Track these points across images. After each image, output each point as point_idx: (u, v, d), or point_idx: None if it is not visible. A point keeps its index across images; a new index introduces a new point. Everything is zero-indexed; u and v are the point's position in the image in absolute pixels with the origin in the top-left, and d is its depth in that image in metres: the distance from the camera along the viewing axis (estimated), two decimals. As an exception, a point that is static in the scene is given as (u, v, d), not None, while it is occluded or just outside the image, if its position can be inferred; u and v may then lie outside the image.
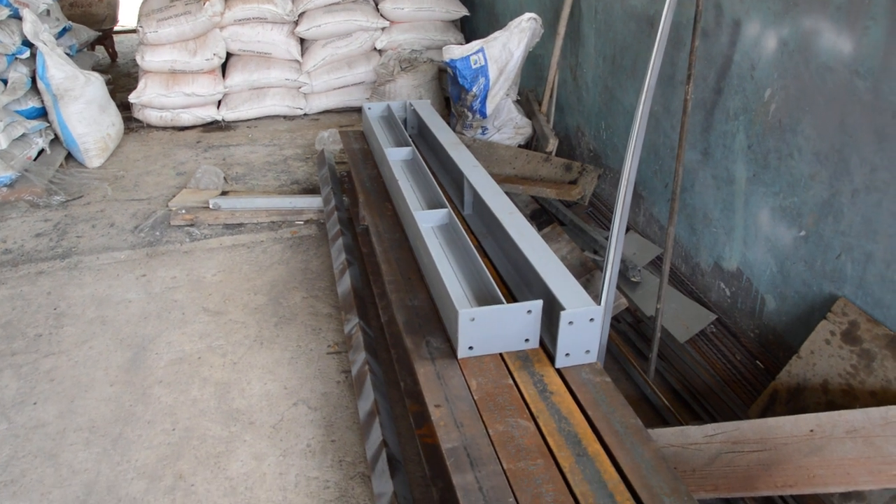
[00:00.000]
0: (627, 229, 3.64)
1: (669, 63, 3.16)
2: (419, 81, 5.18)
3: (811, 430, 2.03)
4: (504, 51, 3.95)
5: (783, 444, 2.05)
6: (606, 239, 3.62)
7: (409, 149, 3.42)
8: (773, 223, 2.62)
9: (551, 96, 4.22)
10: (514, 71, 4.01)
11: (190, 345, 2.84)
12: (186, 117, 5.08)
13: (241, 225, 3.77)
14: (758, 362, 2.68)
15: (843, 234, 2.31)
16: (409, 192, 2.94)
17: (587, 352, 2.18)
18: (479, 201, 2.92)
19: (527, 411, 1.99)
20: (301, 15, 5.10)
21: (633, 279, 3.22)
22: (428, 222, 2.75)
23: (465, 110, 4.10)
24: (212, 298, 3.14)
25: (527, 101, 4.40)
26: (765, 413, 2.39)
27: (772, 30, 2.51)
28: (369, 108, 3.93)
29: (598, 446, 1.87)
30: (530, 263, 2.34)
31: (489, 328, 2.17)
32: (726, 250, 2.92)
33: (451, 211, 2.82)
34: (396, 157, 3.36)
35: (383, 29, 5.31)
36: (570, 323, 2.10)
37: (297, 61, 5.21)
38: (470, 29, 5.68)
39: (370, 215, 3.08)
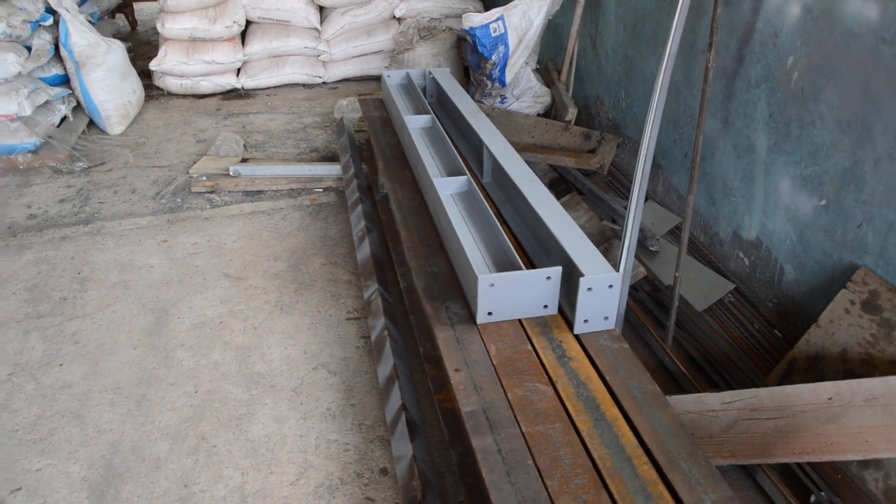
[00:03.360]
0: (646, 198, 3.63)
1: (690, 31, 3.11)
2: (438, 50, 5.15)
3: (830, 398, 2.04)
4: (524, 19, 3.91)
5: (801, 412, 2.06)
6: (625, 208, 3.60)
7: (428, 116, 3.41)
8: (794, 192, 2.60)
9: (571, 65, 4.18)
10: (533, 39, 3.97)
11: (211, 309, 2.88)
12: (206, 85, 5.09)
13: (260, 192, 3.79)
14: (776, 331, 2.68)
15: (865, 203, 2.29)
16: (428, 159, 2.94)
17: (605, 318, 2.19)
18: (498, 169, 2.92)
19: (545, 376, 2.01)
20: (320, -18, 5.08)
21: (651, 248, 3.22)
22: (447, 189, 2.76)
23: (485, 78, 4.08)
24: (232, 264, 3.18)
25: (546, 70, 4.37)
26: (783, 381, 2.39)
27: (797, -5, 2.47)
28: (388, 76, 3.92)
29: (616, 411, 1.89)
30: (549, 230, 2.34)
31: (508, 294, 2.18)
32: (745, 220, 2.91)
33: (471, 178, 2.83)
34: (416, 124, 3.35)
35: (403, -4, 5.27)
36: (589, 289, 2.11)
37: (317, 29, 5.19)
38: (489, -3, 5.63)
39: (390, 182, 3.09)
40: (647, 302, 3.01)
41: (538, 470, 1.71)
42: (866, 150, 2.25)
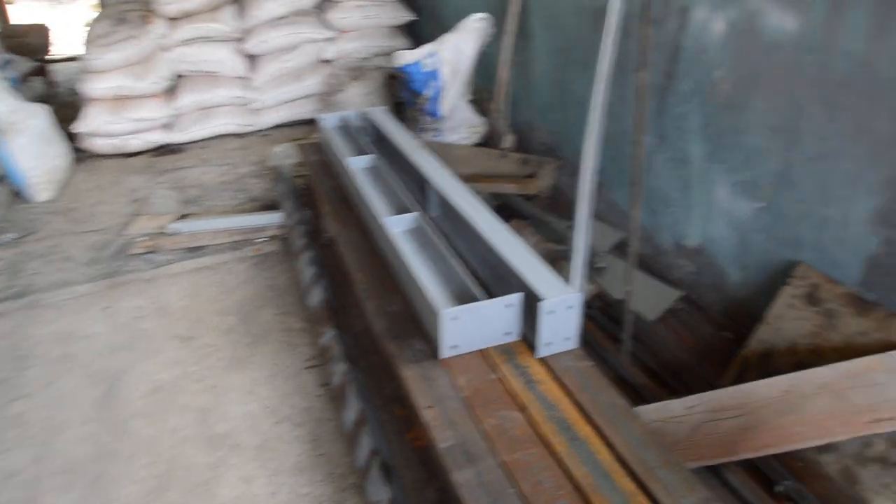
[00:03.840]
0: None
1: (620, 52, 3.21)
2: (369, 89, 5.19)
3: (785, 391, 2.11)
4: (456, 52, 3.98)
5: (760, 407, 2.12)
6: (569, 228, 3.68)
7: (369, 157, 3.43)
8: (732, 198, 2.70)
9: (504, 93, 4.27)
10: (467, 72, 4.05)
11: (164, 373, 2.80)
12: (135, 143, 4.99)
13: (202, 247, 3.72)
14: (726, 333, 2.76)
15: (799, 201, 2.39)
16: (374, 199, 2.94)
17: (567, 339, 2.22)
18: (444, 202, 2.94)
19: (515, 403, 2.02)
20: (248, 31, 5.06)
21: (598, 265, 3.28)
22: (397, 227, 2.77)
23: (419, 114, 4.12)
24: (181, 324, 3.10)
25: (479, 100, 4.44)
26: (737, 380, 2.45)
27: (719, 13, 2.58)
28: (324, 119, 3.92)
29: (588, 429, 1.91)
30: (503, 258, 2.37)
31: (471, 325, 2.19)
32: (687, 228, 3.00)
33: (420, 214, 2.84)
34: (358, 165, 3.36)
35: (330, 39, 5.30)
36: (551, 312, 2.14)
37: (246, 78, 5.16)
38: (416, 33, 5.70)
39: (337, 226, 3.08)
40: (598, 318, 3.06)
41: (523, 497, 1.71)
42: (796, 152, 2.36)
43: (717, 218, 2.80)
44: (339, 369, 2.57)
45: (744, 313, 2.74)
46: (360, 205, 3.10)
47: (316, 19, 5.28)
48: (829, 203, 2.27)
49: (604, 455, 1.82)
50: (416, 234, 2.80)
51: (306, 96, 5.42)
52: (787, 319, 2.37)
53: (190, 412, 2.58)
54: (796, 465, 2.12)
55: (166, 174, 4.71)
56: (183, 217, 3.91)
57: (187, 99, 5.05)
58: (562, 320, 2.18)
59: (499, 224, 2.60)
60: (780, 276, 2.52)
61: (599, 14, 3.35)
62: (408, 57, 3.97)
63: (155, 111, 4.92)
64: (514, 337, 2.28)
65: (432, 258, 2.60)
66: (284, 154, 4.76)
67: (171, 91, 5.08)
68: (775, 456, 2.14)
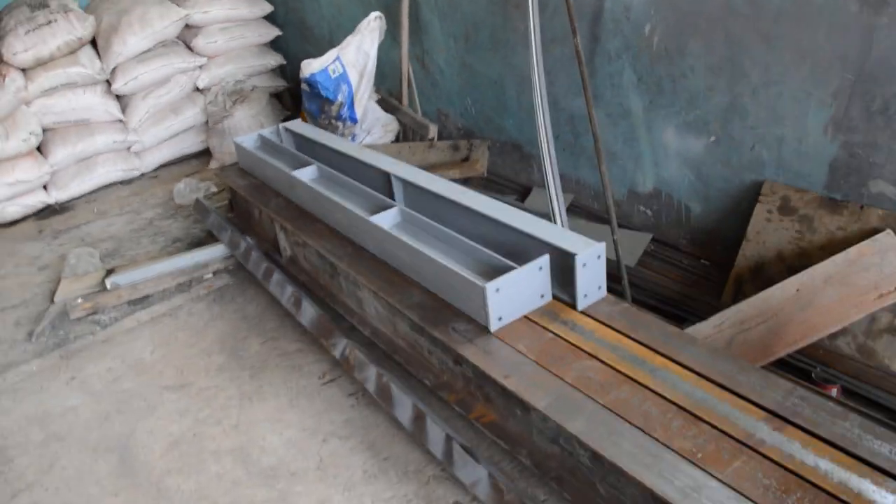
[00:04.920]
0: (530, 188, 3.88)
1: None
2: (255, 110, 5.06)
3: (797, 290, 2.37)
4: (360, 53, 3.99)
5: (780, 310, 2.37)
6: (517, 200, 3.83)
7: (313, 166, 3.38)
8: (681, 138, 2.96)
9: (410, 87, 4.33)
10: (372, 71, 4.07)
11: (175, 426, 2.62)
12: (14, 210, 4.53)
13: (147, 297, 3.49)
14: (703, 261, 3.02)
15: (753, 127, 2.68)
16: (347, 203, 2.92)
17: (599, 288, 2.36)
18: (414, 192, 2.98)
19: (584, 353, 2.12)
20: (114, 71, 4.74)
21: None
22: (385, 223, 2.77)
23: (333, 121, 4.09)
24: (166, 375, 2.91)
25: (384, 98, 4.47)
26: (736, 296, 2.72)
27: (639, -28, 2.82)
28: (242, 143, 3.80)
29: (660, 359, 2.05)
30: (515, 226, 2.46)
31: (511, 295, 2.27)
32: (638, 176, 3.24)
33: (400, 208, 2.86)
34: (307, 176, 3.30)
35: (201, 67, 5.09)
36: (584, 265, 2.26)
37: (121, 120, 4.84)
38: (282, 47, 5.61)
39: (310, 239, 3.02)
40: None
41: (639, 428, 1.82)
42: (742, 85, 2.64)
43: (668, 160, 3.05)
44: (371, 373, 2.54)
45: (713, 240, 3.02)
46: (328, 213, 3.06)
47: (183, 48, 5.06)
48: (783, 123, 2.56)
49: (687, 376, 1.97)
50: (405, 226, 2.82)
51: (187, 129, 5.18)
52: (767, 232, 2.65)
53: (225, 455, 2.45)
54: (819, 353, 2.39)
55: (63, 234, 4.34)
56: (111, 271, 3.63)
57: (62, 153, 4.65)
58: (593, 271, 2.31)
59: (488, 199, 2.68)
60: (746, 197, 2.80)
61: (501, -5, 3.51)
62: (314, 66, 3.92)
63: (30, 172, 4.50)
64: (548, 298, 2.38)
65: (435, 244, 2.63)
66: (190, 189, 4.54)
67: (43, 147, 4.66)
68: (800, 351, 2.39)
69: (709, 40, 2.68)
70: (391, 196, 3.08)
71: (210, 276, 3.61)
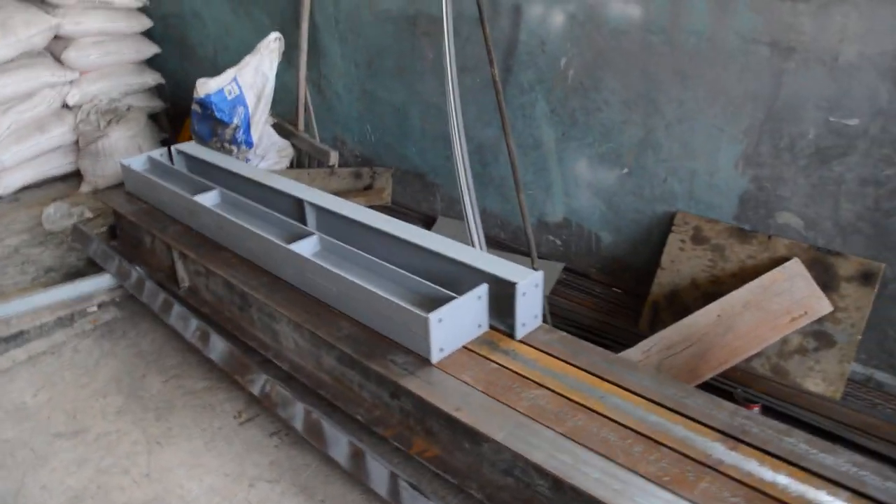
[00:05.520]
0: (435, 218, 3.86)
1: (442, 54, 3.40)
2: (134, 131, 4.71)
3: (718, 315, 2.49)
4: (258, 75, 3.82)
5: (704, 335, 2.47)
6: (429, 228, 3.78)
7: (215, 191, 3.18)
8: (593, 170, 3.05)
9: (307, 112, 4.20)
10: (270, 94, 3.91)
11: (73, 478, 2.33)
12: None
13: (22, 333, 3.10)
14: (615, 289, 3.11)
15: (665, 161, 2.81)
16: (261, 230, 2.75)
17: (535, 316, 2.36)
18: (331, 219, 2.87)
19: (532, 382, 2.10)
20: (-32, 83, 4.25)
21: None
22: (306, 252, 2.64)
23: (227, 144, 3.88)
24: (55, 420, 2.59)
25: (278, 122, 4.31)
26: (654, 322, 2.82)
27: (557, 8, 2.90)
28: (129, 164, 3.52)
29: (608, 385, 2.08)
30: (448, 255, 2.42)
31: (452, 325, 2.22)
32: (548, 206, 3.30)
33: (320, 236, 2.74)
34: (210, 202, 3.09)
35: (72, 82, 4.68)
36: (524, 294, 2.26)
37: (-25, 137, 4.34)
38: (159, 66, 5.28)
39: (217, 268, 2.81)
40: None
41: (602, 455, 1.82)
42: (656, 119, 2.77)
43: (579, 191, 3.14)
44: (299, 410, 2.39)
45: (622, 269, 3.12)
46: (237, 241, 2.87)
47: (52, 60, 4.63)
48: (695, 157, 2.71)
49: (637, 401, 2.00)
50: (324, 255, 2.70)
51: (54, 149, 4.72)
52: (681, 261, 2.77)
53: (138, 509, 2.20)
54: (737, 374, 2.52)
55: None
56: (-27, 306, 3.21)
57: None
58: (531, 300, 2.31)
59: (416, 228, 2.63)
60: (657, 227, 2.93)
61: (412, 21, 3.51)
62: (210, 86, 3.71)
63: None
64: (485, 328, 2.35)
65: (360, 273, 2.53)
66: (61, 215, 4.14)
67: None
68: (720, 374, 2.50)
69: (625, 76, 2.79)
70: (303, 223, 2.95)
71: (95, 308, 3.28)
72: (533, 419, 1.95)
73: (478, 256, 2.41)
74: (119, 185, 4.56)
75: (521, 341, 2.30)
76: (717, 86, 2.56)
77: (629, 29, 2.71)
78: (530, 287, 2.28)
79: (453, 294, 2.26)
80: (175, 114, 5.54)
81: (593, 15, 2.80)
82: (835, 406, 2.41)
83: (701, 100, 2.62)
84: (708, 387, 2.49)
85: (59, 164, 4.78)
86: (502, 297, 2.31)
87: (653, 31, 2.65)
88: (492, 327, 2.37)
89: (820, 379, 2.44)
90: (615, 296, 3.09)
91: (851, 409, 2.40)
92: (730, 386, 2.49)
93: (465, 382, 2.11)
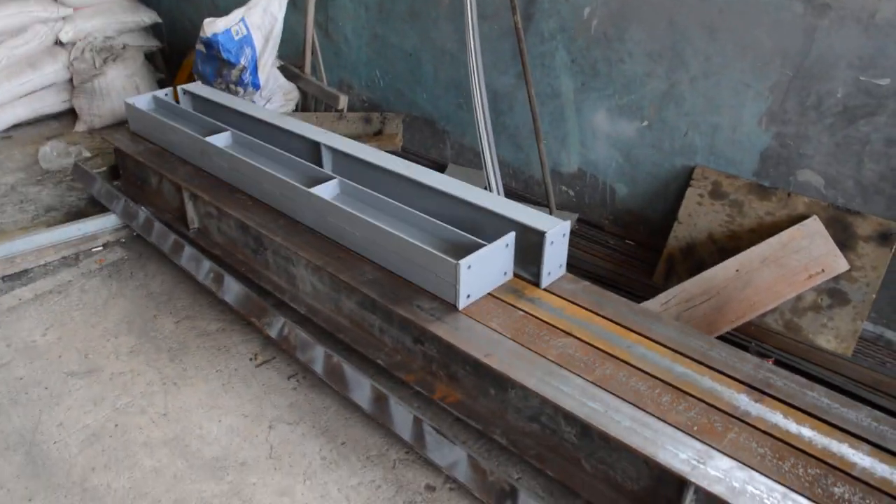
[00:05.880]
0: (445, 164, 3.83)
1: (461, 1, 3.33)
2: (131, 70, 4.60)
3: (737, 270, 2.51)
4: (266, 15, 3.73)
5: (722, 288, 2.50)
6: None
7: (227, 133, 3.12)
8: (612, 122, 3.03)
9: (314, 55, 4.11)
10: (278, 36, 3.81)
11: (91, 417, 2.32)
12: None
13: (26, 272, 3.07)
14: (628, 241, 3.13)
15: (688, 114, 2.79)
16: (278, 173, 2.71)
17: (560, 265, 2.36)
18: (350, 163, 2.83)
19: (559, 330, 2.12)
20: (-40, 12, 4.10)
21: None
22: (327, 195, 2.61)
23: (232, 85, 3.80)
24: (68, 359, 2.57)
25: (284, 65, 4.21)
26: (668, 275, 2.84)
27: (584, -46, 2.84)
28: (135, 103, 3.43)
29: (634, 335, 2.10)
30: (477, 203, 2.40)
31: (480, 272, 2.22)
32: (563, 157, 3.29)
33: (340, 180, 2.71)
34: (222, 143, 3.04)
35: (65, 18, 4.52)
36: (552, 243, 2.26)
37: (-33, 70, 4.20)
38: (155, 4, 5.12)
39: (233, 210, 2.77)
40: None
41: (632, 404, 1.84)
42: (680, 73, 2.74)
43: (596, 143, 3.12)
44: (319, 353, 2.39)
45: (637, 221, 3.13)
46: (252, 184, 2.83)
47: (44, -7, 4.47)
48: (719, 112, 2.70)
49: (663, 352, 2.03)
50: (344, 199, 2.67)
51: (47, 87, 4.60)
52: (699, 215, 2.78)
53: (160, 447, 2.20)
54: (751, 329, 2.55)
55: None
56: (-24, 242, 3.15)
57: None
58: (558, 249, 2.31)
59: (441, 175, 2.60)
60: (674, 181, 2.93)
61: (433, -36, 3.42)
62: (218, 25, 3.61)
63: None
64: (509, 276, 2.35)
65: (381, 219, 2.51)
66: (58, 153, 4.05)
67: None
68: (736, 328, 2.54)
69: (651, 27, 2.76)
70: (319, 166, 2.90)
71: (100, 248, 3.24)
72: (562, 366, 1.97)
73: (503, 204, 2.40)
74: (116, 125, 4.50)
75: (546, 290, 2.31)
76: (746, 41, 2.54)
77: (658, -22, 2.67)
78: (558, 236, 2.28)
79: (480, 241, 2.26)
80: (171, 53, 5.40)
81: (622, -37, 2.74)
82: (846, 363, 2.46)
83: (729, 54, 2.60)
84: (723, 340, 2.53)
85: (52, 102, 4.66)
86: (528, 245, 2.31)
87: (683, -19, 2.61)
88: (516, 275, 2.37)
89: (832, 336, 2.49)
90: (628, 247, 3.10)
91: (862, 365, 2.45)
92: (744, 340, 2.52)
93: (493, 329, 2.12)
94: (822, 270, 2.44)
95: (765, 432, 1.76)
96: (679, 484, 1.71)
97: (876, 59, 2.27)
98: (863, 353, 2.55)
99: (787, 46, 2.44)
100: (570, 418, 1.89)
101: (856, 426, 1.79)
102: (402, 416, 2.16)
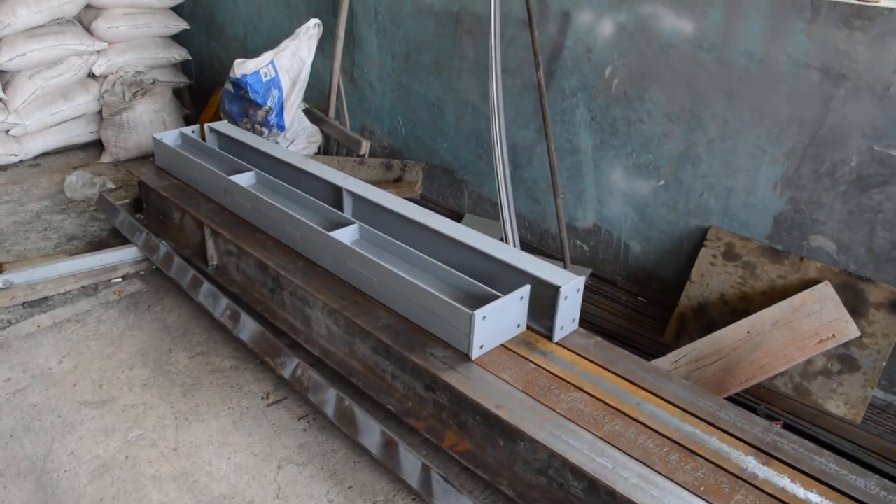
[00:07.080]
0: (462, 214, 3.89)
1: (485, 55, 3.43)
2: (159, 105, 4.72)
3: (748, 332, 2.53)
4: (295, 59, 3.84)
5: (733, 349, 2.51)
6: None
7: (251, 172, 3.20)
8: (629, 179, 3.09)
9: (339, 100, 4.22)
10: (306, 80, 3.92)
11: (101, 448, 2.34)
12: None
13: (46, 299, 3.12)
14: (640, 298, 3.15)
15: (704, 176, 2.85)
16: (301, 215, 2.77)
17: (573, 320, 2.39)
18: (369, 209, 2.89)
19: (570, 385, 2.14)
20: (-1, 44, 4.25)
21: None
22: (346, 239, 2.66)
23: (257, 126, 3.90)
24: (82, 388, 2.61)
25: (309, 108, 4.32)
26: (679, 334, 2.86)
27: (607, 17, 2.92)
28: (162, 139, 3.53)
29: (644, 393, 2.12)
30: (492, 255, 2.45)
31: (494, 323, 2.25)
32: (578, 212, 3.34)
33: (360, 224, 2.76)
34: (247, 182, 3.11)
35: (100, 52, 4.67)
36: (566, 298, 2.29)
37: (1, 99, 4.33)
38: (185, 42, 5.28)
39: (253, 249, 2.83)
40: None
41: (641, 462, 1.85)
42: (698, 135, 2.80)
43: (613, 199, 3.17)
44: (331, 395, 2.41)
45: (649, 279, 3.16)
46: (273, 224, 2.89)
47: (81, 29, 4.62)
48: (735, 175, 2.75)
49: (673, 411, 2.04)
50: (363, 245, 2.72)
51: (76, 117, 4.73)
52: (712, 276, 2.81)
53: (168, 482, 2.22)
54: (760, 391, 2.56)
55: (-74, 221, 3.79)
56: (0, 268, 3.21)
57: (-74, 127, 4.09)
58: (572, 303, 2.34)
59: (459, 226, 2.66)
60: (688, 241, 2.97)
61: (455, 18, 3.53)
62: (248, 66, 3.73)
63: None
64: (522, 328, 2.38)
65: (399, 265, 2.56)
66: (83, 183, 4.14)
67: None
68: (744, 389, 2.55)
69: (671, 90, 2.83)
70: (339, 210, 2.97)
71: (120, 280, 3.29)
72: (571, 421, 1.99)
73: (519, 256, 2.44)
74: (141, 158, 4.61)
75: (558, 343, 2.33)
76: (763, 107, 2.60)
77: (679, 44, 2.75)
78: (572, 291, 2.31)
79: (495, 292, 2.30)
80: (198, 91, 5.54)
81: (644, 27, 2.83)
82: (855, 429, 2.45)
83: (746, 119, 2.66)
84: (732, 401, 2.53)
85: (80, 133, 4.78)
86: (542, 299, 2.34)
87: (703, 48, 2.68)
88: (529, 327, 2.40)
89: (842, 402, 2.49)
90: (640, 304, 3.13)
91: (871, 433, 2.44)
92: (753, 402, 2.53)
93: (505, 381, 2.15)
94: (833, 336, 2.46)
95: (771, 495, 1.77)
96: (685, 545, 1.71)
97: (889, 129, 2.33)
98: (873, 420, 2.55)
99: (804, 114, 2.50)
100: (578, 473, 1.90)
101: (864, 494, 1.79)
102: (411, 462, 2.17)
